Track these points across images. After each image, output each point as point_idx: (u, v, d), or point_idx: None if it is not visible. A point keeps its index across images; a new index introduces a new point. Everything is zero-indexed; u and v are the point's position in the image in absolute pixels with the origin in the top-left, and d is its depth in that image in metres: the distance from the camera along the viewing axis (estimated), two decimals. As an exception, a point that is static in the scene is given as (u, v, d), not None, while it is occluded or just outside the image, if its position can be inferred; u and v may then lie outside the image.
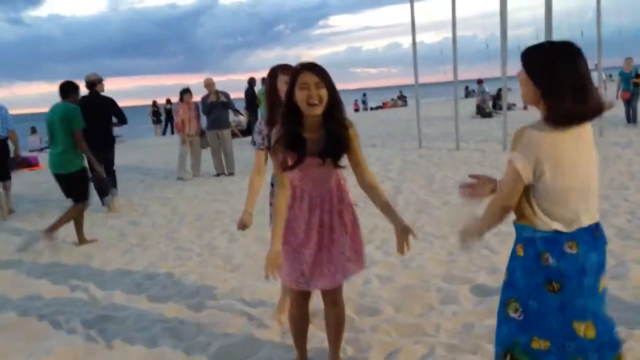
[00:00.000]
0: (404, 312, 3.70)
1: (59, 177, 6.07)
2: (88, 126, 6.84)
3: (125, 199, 8.37)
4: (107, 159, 7.81)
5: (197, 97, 10.77)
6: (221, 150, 10.35)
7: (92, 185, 6.51)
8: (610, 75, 33.77)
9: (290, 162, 2.53)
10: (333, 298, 2.83)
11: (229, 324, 3.66)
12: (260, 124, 3.26)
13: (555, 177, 2.01)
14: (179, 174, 10.35)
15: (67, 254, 5.76)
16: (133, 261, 5.36)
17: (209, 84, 10.31)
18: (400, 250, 2.49)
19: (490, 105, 21.21)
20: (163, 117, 24.86)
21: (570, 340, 2.09)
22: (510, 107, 17.36)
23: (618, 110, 13.86)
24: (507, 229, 5.37)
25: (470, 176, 2.40)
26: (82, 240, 6.07)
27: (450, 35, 11.45)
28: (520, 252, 2.14)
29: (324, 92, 2.44)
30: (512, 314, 2.16)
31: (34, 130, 22.32)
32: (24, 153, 16.97)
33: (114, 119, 8.05)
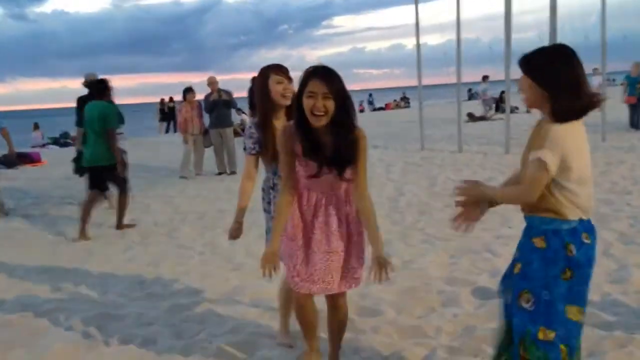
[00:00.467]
0: (405, 313, 3.69)
1: (94, 170, 6.39)
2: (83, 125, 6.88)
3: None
4: None
5: (200, 96, 10.79)
6: (224, 149, 10.36)
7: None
8: (614, 80, 33.69)
9: (309, 172, 2.52)
10: (334, 302, 2.80)
11: (230, 323, 3.65)
12: (250, 128, 3.07)
13: (578, 168, 2.15)
14: (182, 172, 10.36)
15: (68, 250, 5.77)
16: (134, 259, 5.36)
17: (211, 82, 10.34)
18: (375, 278, 2.46)
19: (493, 107, 21.20)
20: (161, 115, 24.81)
21: (561, 325, 2.22)
22: (513, 110, 17.34)
23: (621, 114, 13.83)
24: (509, 232, 5.36)
25: (457, 190, 2.39)
26: (120, 225, 6.56)
27: (454, 37, 11.45)
28: (542, 244, 2.22)
29: (330, 104, 2.39)
30: (524, 305, 2.25)
31: (36, 127, 22.38)
32: (27, 149, 17.02)
33: None
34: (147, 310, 3.99)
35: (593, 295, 3.74)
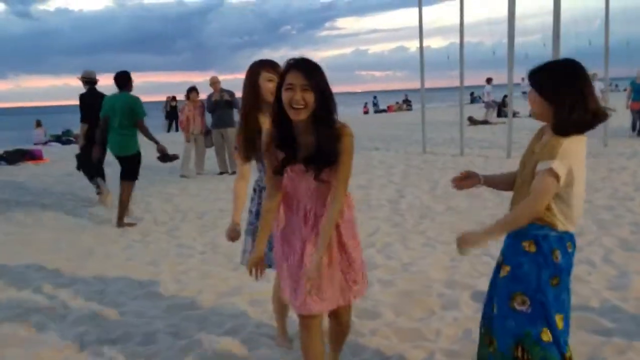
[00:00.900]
0: (404, 316, 3.69)
1: (120, 159, 6.65)
2: (87, 122, 6.89)
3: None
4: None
5: (203, 95, 10.83)
6: (225, 149, 10.37)
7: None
8: (617, 85, 33.62)
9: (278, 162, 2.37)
10: (337, 316, 2.70)
11: (229, 323, 3.65)
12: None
13: (579, 183, 2.20)
14: (182, 171, 10.37)
15: (68, 247, 5.77)
16: (134, 257, 5.36)
17: (214, 82, 10.35)
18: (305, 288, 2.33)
19: (495, 110, 21.18)
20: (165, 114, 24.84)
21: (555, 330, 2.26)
22: (515, 114, 17.34)
23: (623, 121, 13.82)
24: (509, 236, 5.31)
25: (461, 173, 2.75)
26: (120, 223, 6.56)
27: (457, 40, 11.46)
28: (532, 248, 2.27)
29: (309, 96, 2.23)
30: (519, 307, 2.27)
31: (39, 124, 22.37)
32: (29, 146, 17.04)
33: None
34: (146, 309, 3.98)
35: (592, 301, 3.75)
